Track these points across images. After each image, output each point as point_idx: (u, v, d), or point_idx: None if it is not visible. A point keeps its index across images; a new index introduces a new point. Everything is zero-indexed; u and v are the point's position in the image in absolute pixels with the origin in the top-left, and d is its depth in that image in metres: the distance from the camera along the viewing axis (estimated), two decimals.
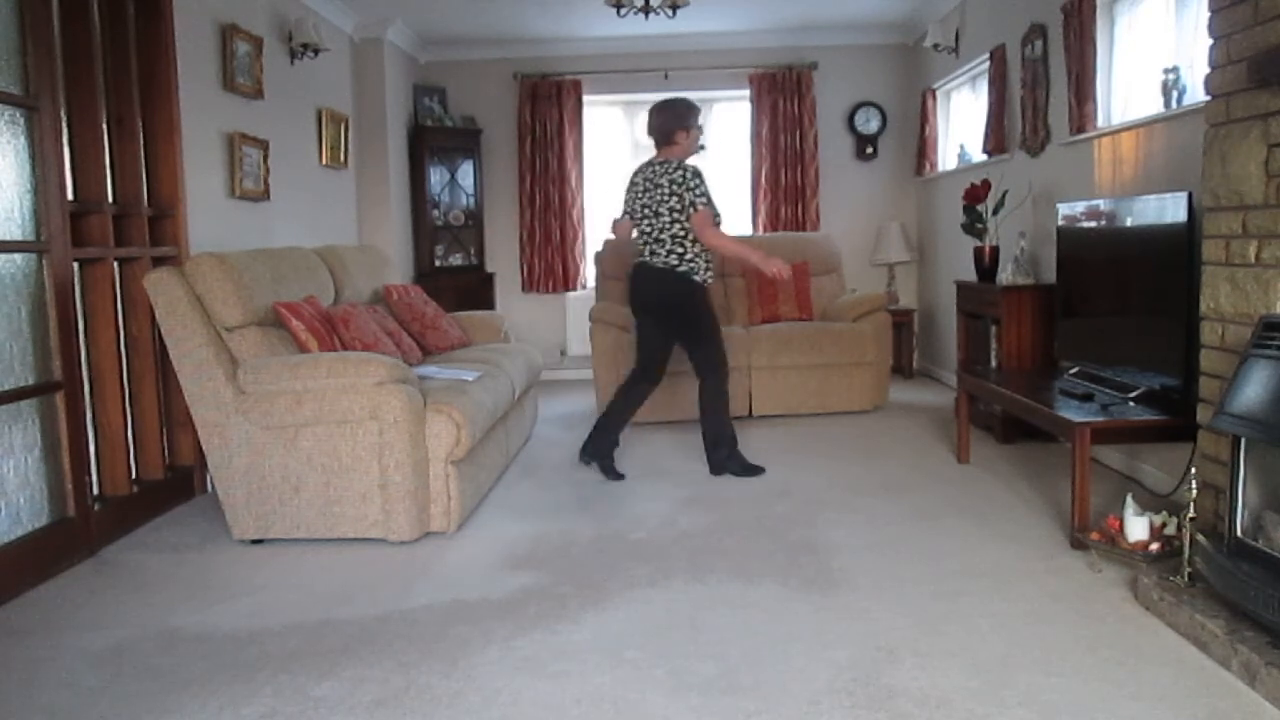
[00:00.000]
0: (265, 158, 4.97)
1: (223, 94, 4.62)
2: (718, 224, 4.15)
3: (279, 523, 3.46)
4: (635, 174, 4.27)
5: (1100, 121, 4.33)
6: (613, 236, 4.50)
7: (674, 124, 4.15)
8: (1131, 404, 3.40)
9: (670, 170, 4.09)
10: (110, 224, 3.70)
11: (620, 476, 4.26)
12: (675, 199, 4.07)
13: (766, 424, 5.35)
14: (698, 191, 4.06)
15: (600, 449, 4.30)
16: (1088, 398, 3.51)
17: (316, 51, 5.45)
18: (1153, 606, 2.62)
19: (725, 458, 4.27)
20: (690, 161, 4.16)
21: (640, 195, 4.18)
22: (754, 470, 4.25)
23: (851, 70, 7.32)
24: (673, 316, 4.22)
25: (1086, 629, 2.55)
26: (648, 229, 4.15)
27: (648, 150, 4.36)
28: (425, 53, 7.28)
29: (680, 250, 4.11)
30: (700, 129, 4.24)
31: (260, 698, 2.31)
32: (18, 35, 3.20)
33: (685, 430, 5.23)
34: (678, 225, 4.09)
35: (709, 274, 4.21)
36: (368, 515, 3.41)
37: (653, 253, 4.14)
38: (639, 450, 4.82)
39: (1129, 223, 3.61)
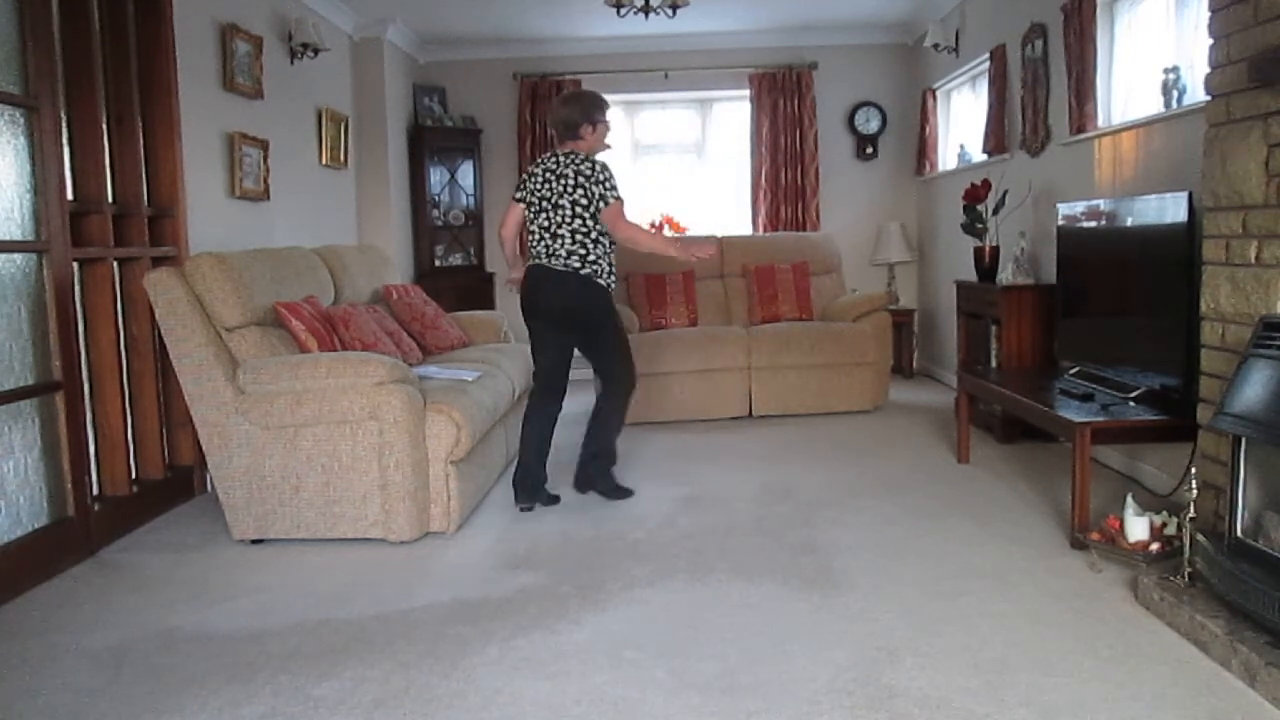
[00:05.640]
0: (265, 158, 4.97)
1: (223, 94, 4.62)
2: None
3: (279, 523, 3.46)
4: (535, 165, 3.89)
5: (1100, 121, 4.33)
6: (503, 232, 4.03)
7: (580, 117, 3.85)
8: (1131, 404, 3.40)
9: (577, 162, 3.78)
10: (110, 224, 3.70)
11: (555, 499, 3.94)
12: (581, 191, 3.75)
13: (767, 424, 5.35)
14: (609, 184, 3.78)
15: (538, 484, 3.89)
16: (1088, 398, 3.50)
17: (316, 51, 5.45)
18: (1153, 606, 2.62)
19: (597, 474, 3.97)
20: (599, 157, 3.87)
21: (539, 187, 3.81)
22: (623, 493, 3.97)
23: (851, 70, 7.32)
24: (574, 324, 3.84)
25: (1086, 629, 2.55)
26: (545, 223, 3.78)
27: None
28: (425, 52, 7.27)
29: (582, 251, 3.75)
30: (608, 125, 3.96)
31: (260, 698, 2.31)
32: (18, 35, 3.20)
33: (685, 430, 5.24)
34: (579, 221, 3.74)
35: (613, 278, 3.86)
36: (368, 515, 3.41)
37: (551, 253, 3.76)
38: (638, 450, 4.81)
39: (1129, 223, 3.61)
